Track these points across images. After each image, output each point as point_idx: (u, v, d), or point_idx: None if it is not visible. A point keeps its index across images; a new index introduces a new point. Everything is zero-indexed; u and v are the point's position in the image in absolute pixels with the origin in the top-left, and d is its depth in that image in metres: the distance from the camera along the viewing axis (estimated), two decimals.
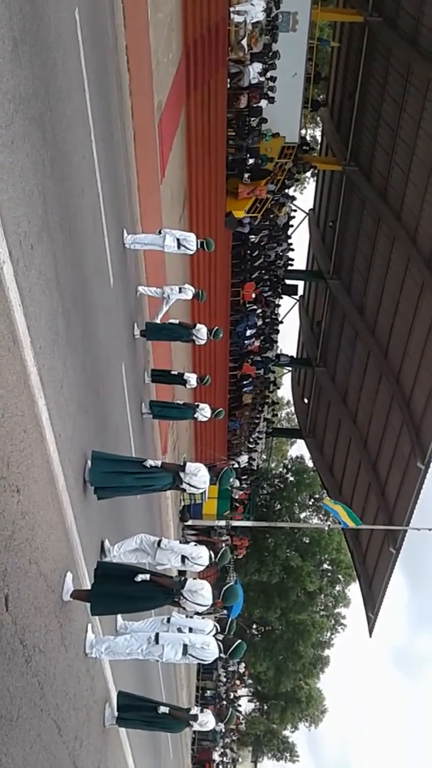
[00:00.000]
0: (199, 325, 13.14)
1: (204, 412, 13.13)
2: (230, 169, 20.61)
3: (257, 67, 19.23)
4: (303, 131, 24.94)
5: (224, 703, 34.63)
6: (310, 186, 36.08)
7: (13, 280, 5.19)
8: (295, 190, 29.96)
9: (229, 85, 18.66)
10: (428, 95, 19.79)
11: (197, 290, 13.26)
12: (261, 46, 19.40)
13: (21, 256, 5.42)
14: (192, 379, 13.64)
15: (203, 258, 19.53)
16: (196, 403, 13.55)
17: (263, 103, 20.37)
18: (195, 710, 7.92)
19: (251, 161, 21.11)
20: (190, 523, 21.58)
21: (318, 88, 28.39)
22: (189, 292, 12.88)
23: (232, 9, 17.46)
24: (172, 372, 14.37)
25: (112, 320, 9.97)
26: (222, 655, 7.57)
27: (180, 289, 12.80)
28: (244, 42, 18.21)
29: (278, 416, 40.64)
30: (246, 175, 20.98)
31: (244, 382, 27.57)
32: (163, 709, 7.87)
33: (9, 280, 5.10)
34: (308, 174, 30.81)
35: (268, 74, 20.32)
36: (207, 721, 7.73)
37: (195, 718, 7.75)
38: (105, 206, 9.22)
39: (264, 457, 41.03)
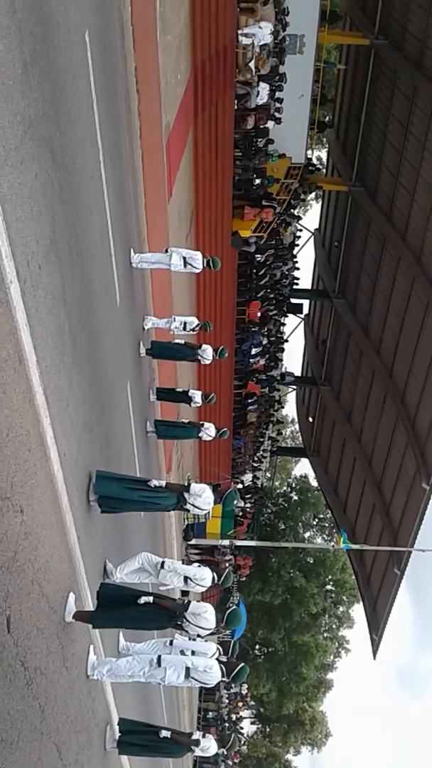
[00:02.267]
0: (204, 346, 13.16)
1: (209, 431, 13.10)
2: (237, 189, 20.75)
3: (264, 88, 19.39)
4: (309, 152, 25.13)
5: (226, 725, 34.21)
6: (316, 206, 36.27)
7: (21, 300, 5.20)
8: (300, 210, 30.07)
9: (236, 106, 18.82)
10: None
11: (203, 322, 13.33)
12: (268, 68, 19.56)
13: (29, 276, 5.44)
14: (197, 396, 13.63)
15: (209, 277, 19.61)
16: (201, 422, 13.53)
17: (270, 124, 20.53)
18: (197, 735, 7.81)
19: (258, 182, 21.24)
20: (193, 542, 21.47)
21: (324, 109, 28.62)
22: (194, 323, 13.01)
23: (240, 31, 17.64)
24: (177, 390, 14.37)
25: (118, 339, 9.99)
26: (224, 679, 7.48)
27: (185, 324, 12.87)
28: (252, 64, 18.37)
29: (283, 435, 40.53)
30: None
31: (249, 401, 27.52)
32: (164, 734, 7.76)
33: (16, 299, 5.11)
34: (313, 195, 30.98)
35: (275, 96, 20.50)
36: (209, 746, 7.62)
37: (197, 743, 7.64)
38: (112, 226, 9.27)
39: (268, 475, 40.89)
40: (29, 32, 5.50)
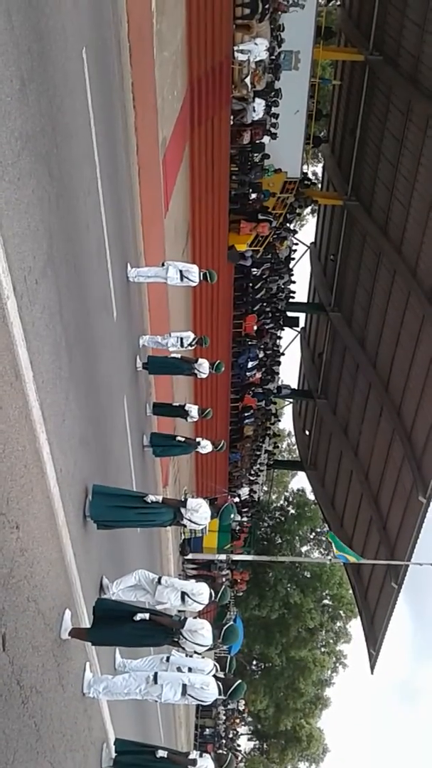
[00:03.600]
0: (201, 360, 13.16)
1: (205, 447, 13.14)
2: (233, 204, 20.84)
3: (260, 104, 19.52)
4: (305, 167, 25.25)
5: (223, 741, 33.92)
6: (312, 220, 36.44)
7: (17, 315, 5.19)
8: (296, 224, 30.19)
9: (232, 122, 18.93)
10: (428, 132, 20.06)
11: (199, 337, 13.33)
12: (264, 84, 19.72)
13: (25, 291, 5.43)
14: (193, 410, 13.62)
15: (206, 290, 19.64)
16: (197, 440, 13.52)
17: (266, 139, 20.65)
18: (194, 754, 7.72)
19: (254, 196, 21.33)
20: (190, 556, 21.36)
21: (319, 124, 28.83)
22: (190, 337, 13.02)
23: (235, 48, 17.77)
24: (174, 404, 14.34)
25: (114, 353, 9.98)
26: (222, 696, 7.41)
27: (182, 340, 12.88)
28: (248, 80, 18.50)
29: (279, 448, 40.43)
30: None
31: (246, 414, 27.50)
32: (161, 753, 7.67)
33: (13, 315, 5.10)
34: (308, 209, 31.13)
35: (271, 111, 20.63)
36: (206, 766, 7.53)
37: (194, 763, 7.55)
38: (109, 240, 9.29)
39: (265, 489, 40.78)
40: (27, 49, 5.53)
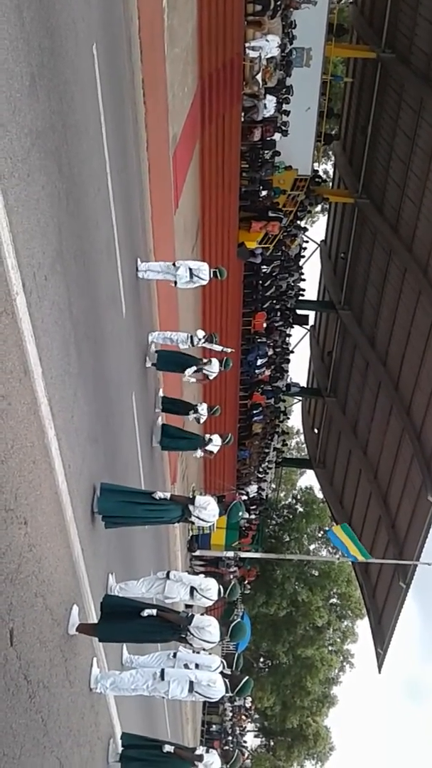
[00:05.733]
0: (212, 360, 13.12)
1: (214, 442, 13.10)
2: (243, 201, 20.80)
3: (271, 101, 19.48)
4: (316, 164, 25.19)
5: (230, 738, 33.96)
6: (322, 218, 36.34)
7: (26, 311, 5.19)
8: (306, 222, 30.14)
9: (243, 119, 18.90)
10: None
11: (208, 334, 13.26)
12: (275, 80, 19.66)
13: (35, 288, 5.44)
14: (202, 408, 13.59)
15: (215, 288, 19.63)
16: (207, 436, 13.48)
17: (277, 136, 20.59)
18: (200, 750, 7.73)
19: (264, 193, 21.29)
20: (198, 553, 21.38)
21: (331, 122, 28.72)
22: (200, 334, 12.97)
23: (247, 44, 17.73)
24: (183, 400, 14.31)
25: (123, 350, 9.98)
26: (228, 693, 7.41)
27: (191, 338, 12.83)
28: (259, 77, 18.45)
29: (288, 446, 40.40)
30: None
31: (255, 412, 27.49)
32: (167, 748, 7.69)
33: (22, 311, 5.10)
34: (319, 207, 31.04)
35: (282, 108, 20.58)
36: (212, 762, 7.54)
37: (200, 758, 7.56)
38: (119, 237, 9.28)
39: (273, 486, 40.75)
40: (37, 45, 5.53)
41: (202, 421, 13.89)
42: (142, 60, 10.81)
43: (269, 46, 18.09)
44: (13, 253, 4.91)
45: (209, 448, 13.00)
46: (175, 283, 11.78)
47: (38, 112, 5.53)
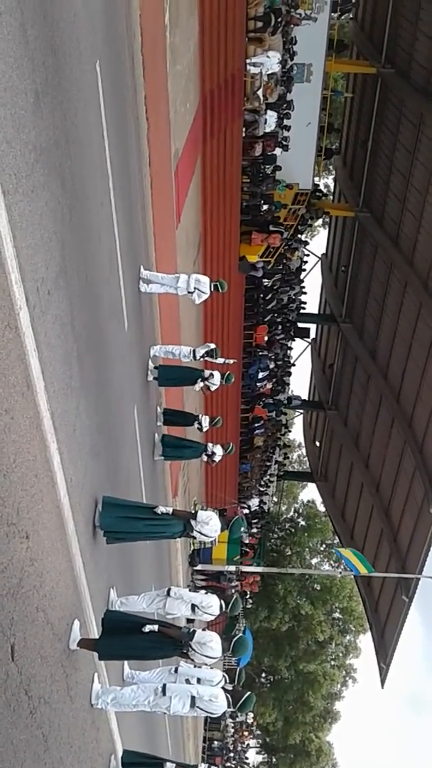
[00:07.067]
0: (214, 372, 13.16)
1: (216, 452, 13.13)
2: (244, 215, 20.90)
3: (272, 116, 19.61)
4: (316, 178, 25.31)
5: (232, 755, 33.67)
6: (323, 231, 36.48)
7: (29, 326, 5.22)
8: (307, 236, 30.24)
9: (244, 134, 19.02)
10: None
11: (210, 349, 13.27)
12: (276, 96, 19.81)
13: (38, 302, 5.46)
14: (204, 420, 13.62)
15: (216, 301, 19.69)
16: (208, 444, 13.50)
17: (278, 151, 20.72)
18: (202, 767, 7.67)
19: (265, 207, 21.39)
20: (199, 567, 21.29)
21: (331, 137, 28.90)
22: (202, 350, 13.00)
23: (248, 60, 17.88)
24: (185, 411, 14.34)
25: (125, 363, 10.01)
26: (230, 708, 7.36)
27: (194, 352, 12.87)
28: (260, 92, 18.59)
29: (290, 459, 40.30)
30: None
31: (256, 425, 27.47)
32: (169, 766, 7.63)
33: (25, 325, 5.13)
34: (320, 221, 31.17)
35: (283, 123, 20.71)
36: None
37: None
38: (121, 251, 9.33)
39: (275, 500, 40.62)
40: (41, 62, 5.59)
41: (204, 429, 13.93)
42: (145, 76, 10.91)
43: (270, 62, 18.25)
44: (16, 267, 4.94)
45: (213, 458, 13.04)
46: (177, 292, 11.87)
47: (42, 128, 5.58)
